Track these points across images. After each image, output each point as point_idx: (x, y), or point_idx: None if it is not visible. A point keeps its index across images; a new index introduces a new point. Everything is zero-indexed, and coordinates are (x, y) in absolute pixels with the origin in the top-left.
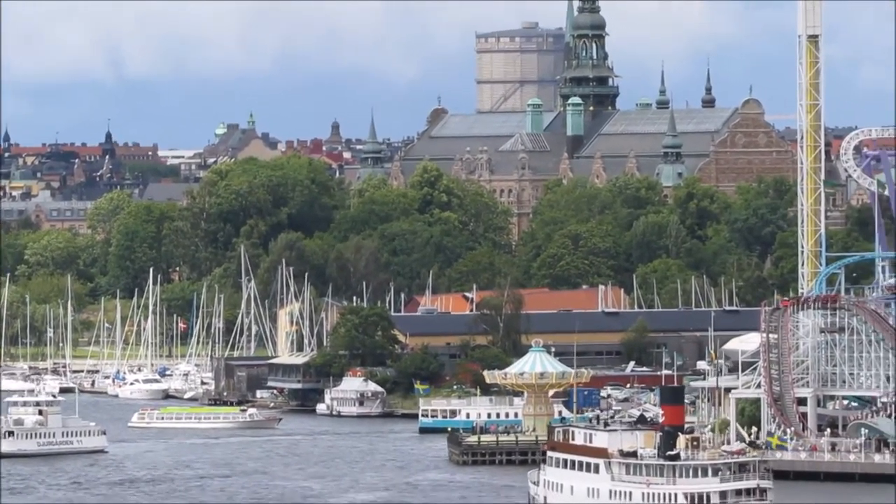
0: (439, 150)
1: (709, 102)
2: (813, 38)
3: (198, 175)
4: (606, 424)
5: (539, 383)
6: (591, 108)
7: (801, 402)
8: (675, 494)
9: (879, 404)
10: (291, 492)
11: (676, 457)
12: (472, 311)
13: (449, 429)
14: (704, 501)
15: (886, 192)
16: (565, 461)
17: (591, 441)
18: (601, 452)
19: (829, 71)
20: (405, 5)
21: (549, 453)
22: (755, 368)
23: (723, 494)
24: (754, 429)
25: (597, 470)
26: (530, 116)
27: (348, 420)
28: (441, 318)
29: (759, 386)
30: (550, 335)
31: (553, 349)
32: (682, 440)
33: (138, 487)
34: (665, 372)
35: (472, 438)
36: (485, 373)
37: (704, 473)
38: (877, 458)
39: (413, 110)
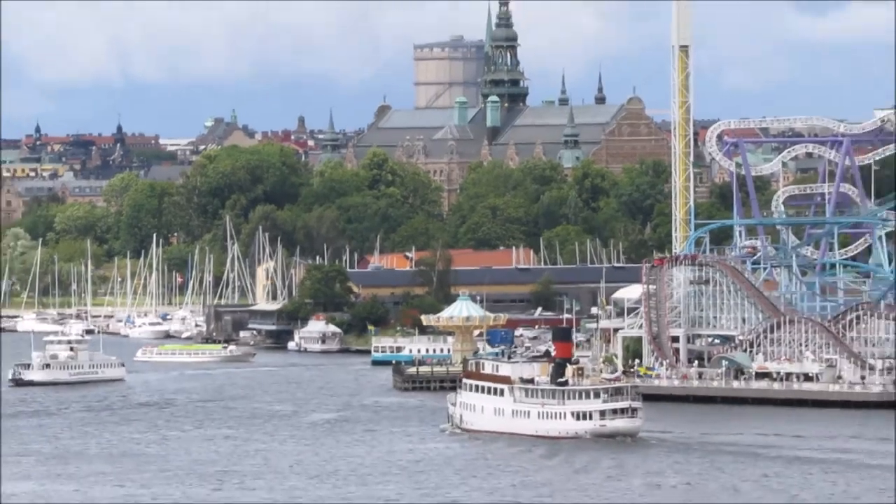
0: (385, 139)
1: (600, 100)
2: (684, 48)
3: (191, 159)
4: (510, 357)
5: (465, 325)
6: (506, 105)
7: (675, 339)
8: (564, 413)
9: (737, 341)
10: (269, 412)
11: (565, 383)
12: (411, 267)
13: (394, 362)
14: (587, 418)
15: (742, 172)
16: (477, 387)
17: (497, 371)
18: (505, 380)
19: (697, 73)
20: (359, 22)
21: (464, 380)
22: (637, 313)
23: (602, 413)
24: (636, 360)
25: (502, 394)
26: (457, 111)
27: (313, 355)
28: (387, 273)
29: (640, 327)
30: (474, 287)
31: (477, 297)
32: (569, 370)
33: (156, 409)
34: (566, 316)
35: (412, 369)
36: (422, 317)
37: (587, 396)
38: (734, 384)
39: (364, 106)
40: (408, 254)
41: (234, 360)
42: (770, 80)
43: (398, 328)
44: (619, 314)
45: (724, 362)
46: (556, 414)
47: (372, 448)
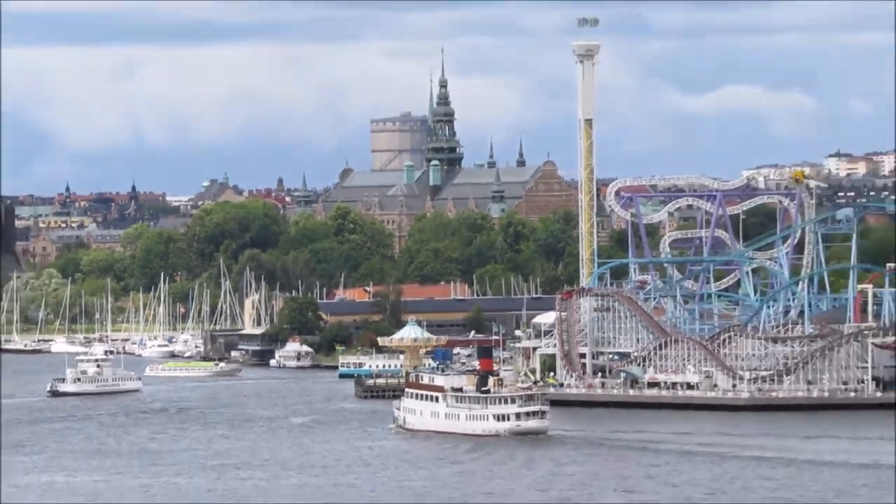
0: (348, 196)
1: (521, 163)
2: (588, 121)
3: (191, 212)
4: (443, 371)
5: (413, 345)
6: (445, 167)
7: (582, 356)
8: (487, 415)
9: (632, 357)
10: (257, 416)
11: (488, 391)
12: (369, 299)
13: (356, 375)
14: (505, 419)
15: (636, 220)
16: (417, 394)
17: (433, 381)
18: (440, 389)
19: (599, 141)
20: (328, 100)
21: (407, 389)
22: (552, 335)
23: (517, 415)
24: (551, 373)
25: (437, 400)
26: (406, 173)
27: (290, 370)
28: (349, 304)
29: (554, 346)
30: (420, 314)
31: (422, 323)
32: (491, 380)
33: (166, 415)
34: (494, 337)
35: (371, 381)
36: (378, 339)
37: (505, 402)
38: (630, 392)
39: (331, 169)
40: (367, 288)
41: (224, 375)
42: (658, 147)
43: (359, 348)
44: (537, 336)
45: (622, 374)
46: (480, 416)
47: (337, 444)
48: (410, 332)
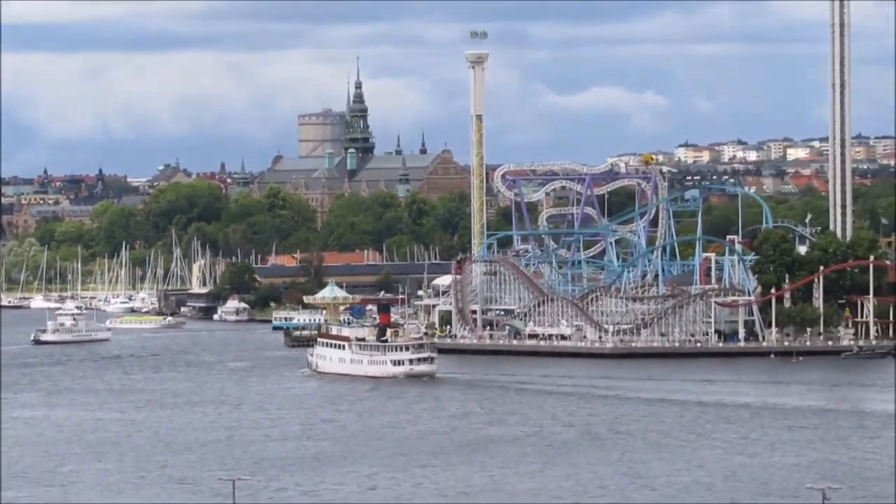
0: (279, 178)
1: (423, 151)
2: (479, 116)
3: (149, 192)
4: (349, 323)
5: (333, 303)
6: (360, 155)
7: (474, 312)
8: (385, 361)
9: (516, 313)
10: (201, 360)
11: (385, 340)
12: (297, 264)
13: (285, 328)
14: (400, 363)
15: (518, 199)
16: (327, 343)
17: (340, 332)
18: (346, 338)
19: (488, 133)
20: (264, 98)
21: (319, 339)
22: (449, 294)
23: (411, 361)
24: (447, 326)
25: (343, 348)
26: (327, 159)
27: (230, 323)
28: (280, 268)
29: (451, 304)
30: (339, 277)
31: (342, 284)
32: (389, 331)
33: (131, 359)
34: (400, 296)
35: (297, 332)
36: (304, 297)
37: (400, 349)
38: (514, 342)
39: (265, 156)
40: (294, 255)
41: (172, 327)
42: (537, 138)
43: (288, 305)
44: (437, 295)
45: (507, 327)
46: (379, 361)
47: (271, 384)
48: (331, 292)
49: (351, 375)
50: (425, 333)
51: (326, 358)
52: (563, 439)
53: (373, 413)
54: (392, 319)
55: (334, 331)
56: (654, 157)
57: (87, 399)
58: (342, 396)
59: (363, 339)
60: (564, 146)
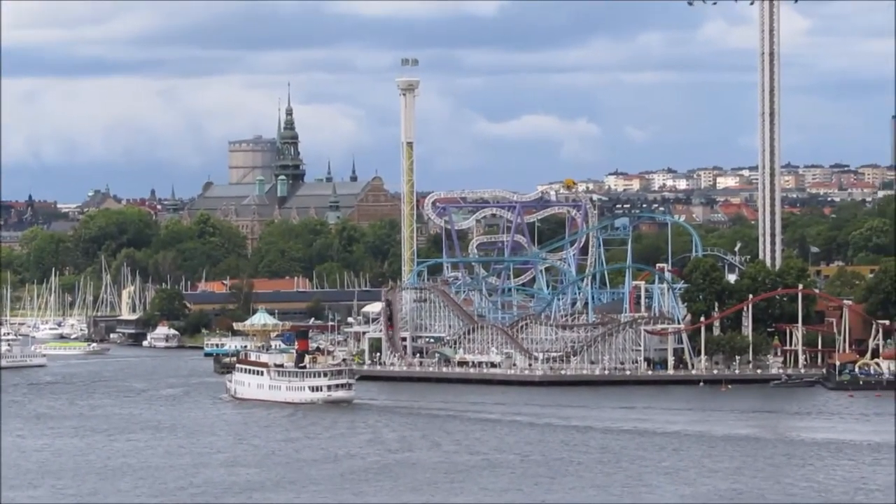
0: (209, 205)
1: (354, 178)
2: (409, 143)
3: (78, 217)
4: (267, 350)
5: (262, 330)
6: (290, 182)
7: (404, 339)
8: (303, 387)
9: (445, 340)
10: (131, 388)
11: (304, 366)
12: (227, 290)
13: (215, 354)
14: (318, 390)
15: (449, 227)
16: (246, 369)
17: (259, 358)
18: (264, 364)
19: (418, 160)
20: (195, 124)
21: (238, 365)
22: (379, 321)
23: (328, 387)
24: (377, 354)
25: (262, 374)
26: (258, 186)
27: (160, 350)
28: (210, 295)
29: (381, 331)
30: (269, 303)
31: (274, 312)
32: (307, 358)
33: (64, 384)
34: (331, 323)
35: (227, 359)
36: (234, 324)
37: (318, 375)
38: (444, 369)
39: (196, 182)
40: (224, 281)
41: (96, 353)
42: (468, 166)
43: (217, 331)
44: (367, 322)
45: (437, 354)
46: (297, 387)
47: (200, 411)
48: (261, 319)
49: (270, 401)
50: (343, 360)
51: (245, 384)
52: (469, 465)
53: (297, 440)
54: (322, 346)
55: (253, 357)
56: (574, 181)
57: (16, 424)
58: (270, 423)
59: (282, 366)
60: (496, 173)
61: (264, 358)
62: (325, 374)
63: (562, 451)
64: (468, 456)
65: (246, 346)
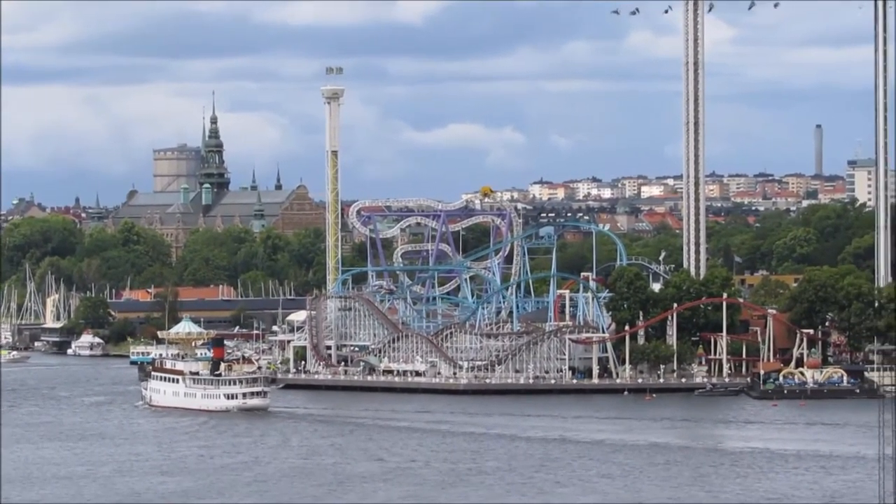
0: (134, 213)
1: (279, 187)
2: (335, 152)
3: (2, 226)
4: (183, 357)
5: (186, 338)
6: (215, 190)
7: (329, 347)
8: (219, 394)
9: (370, 349)
10: (56, 396)
11: (219, 374)
12: (151, 298)
13: (140, 362)
14: (233, 397)
15: (374, 235)
16: (161, 377)
17: (175, 366)
18: (180, 372)
19: (343, 169)
20: (119, 132)
21: (153, 372)
22: (304, 329)
23: (243, 395)
24: (302, 362)
25: (177, 381)
26: (182, 194)
27: (84, 358)
28: (135, 303)
29: (305, 339)
30: (194, 312)
31: (200, 320)
32: (223, 366)
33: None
34: (255, 332)
35: (149, 367)
36: (159, 332)
37: (233, 383)
38: (369, 377)
39: (121, 190)
40: (149, 289)
41: (16, 362)
42: (393, 174)
43: (142, 340)
44: (292, 330)
45: (362, 363)
46: (213, 395)
47: (122, 419)
48: (185, 327)
49: (184, 409)
50: (258, 367)
51: (161, 391)
52: (367, 473)
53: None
54: (248, 355)
55: (168, 364)
56: (492, 189)
57: None
58: (186, 431)
59: (197, 373)
60: (422, 182)
61: (179, 366)
62: (240, 382)
63: (470, 460)
64: (368, 464)
65: (161, 354)
